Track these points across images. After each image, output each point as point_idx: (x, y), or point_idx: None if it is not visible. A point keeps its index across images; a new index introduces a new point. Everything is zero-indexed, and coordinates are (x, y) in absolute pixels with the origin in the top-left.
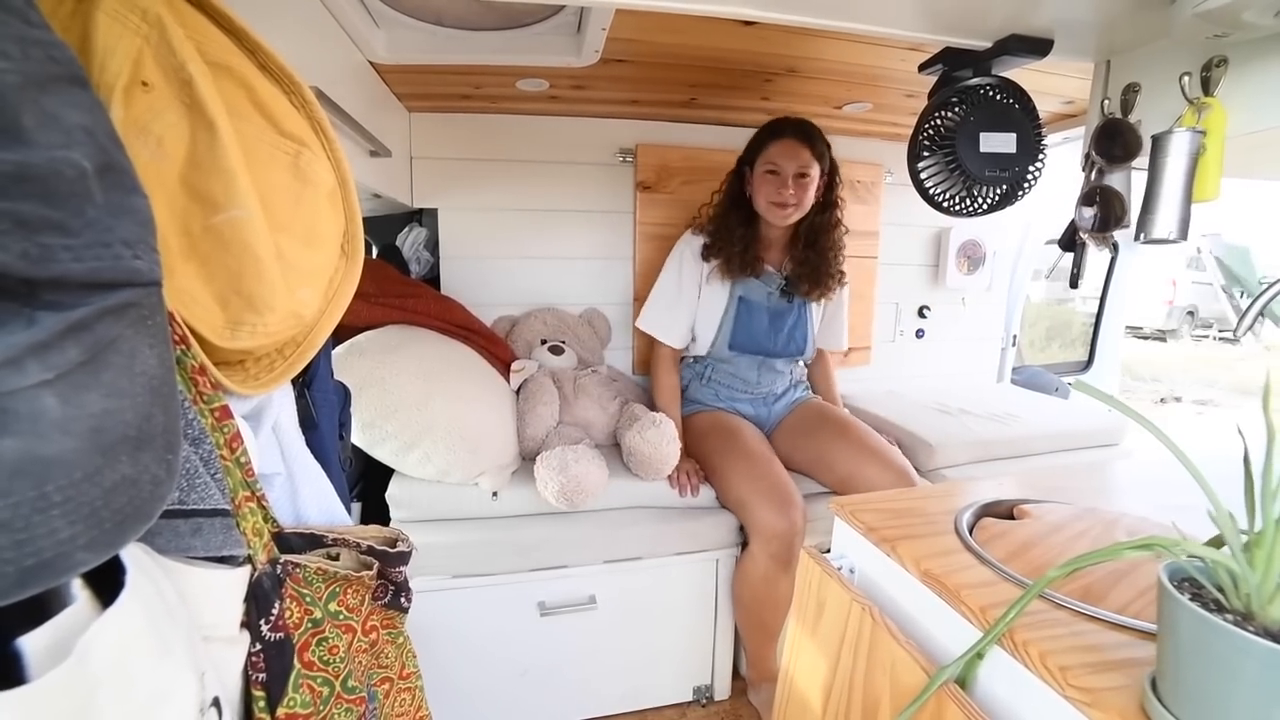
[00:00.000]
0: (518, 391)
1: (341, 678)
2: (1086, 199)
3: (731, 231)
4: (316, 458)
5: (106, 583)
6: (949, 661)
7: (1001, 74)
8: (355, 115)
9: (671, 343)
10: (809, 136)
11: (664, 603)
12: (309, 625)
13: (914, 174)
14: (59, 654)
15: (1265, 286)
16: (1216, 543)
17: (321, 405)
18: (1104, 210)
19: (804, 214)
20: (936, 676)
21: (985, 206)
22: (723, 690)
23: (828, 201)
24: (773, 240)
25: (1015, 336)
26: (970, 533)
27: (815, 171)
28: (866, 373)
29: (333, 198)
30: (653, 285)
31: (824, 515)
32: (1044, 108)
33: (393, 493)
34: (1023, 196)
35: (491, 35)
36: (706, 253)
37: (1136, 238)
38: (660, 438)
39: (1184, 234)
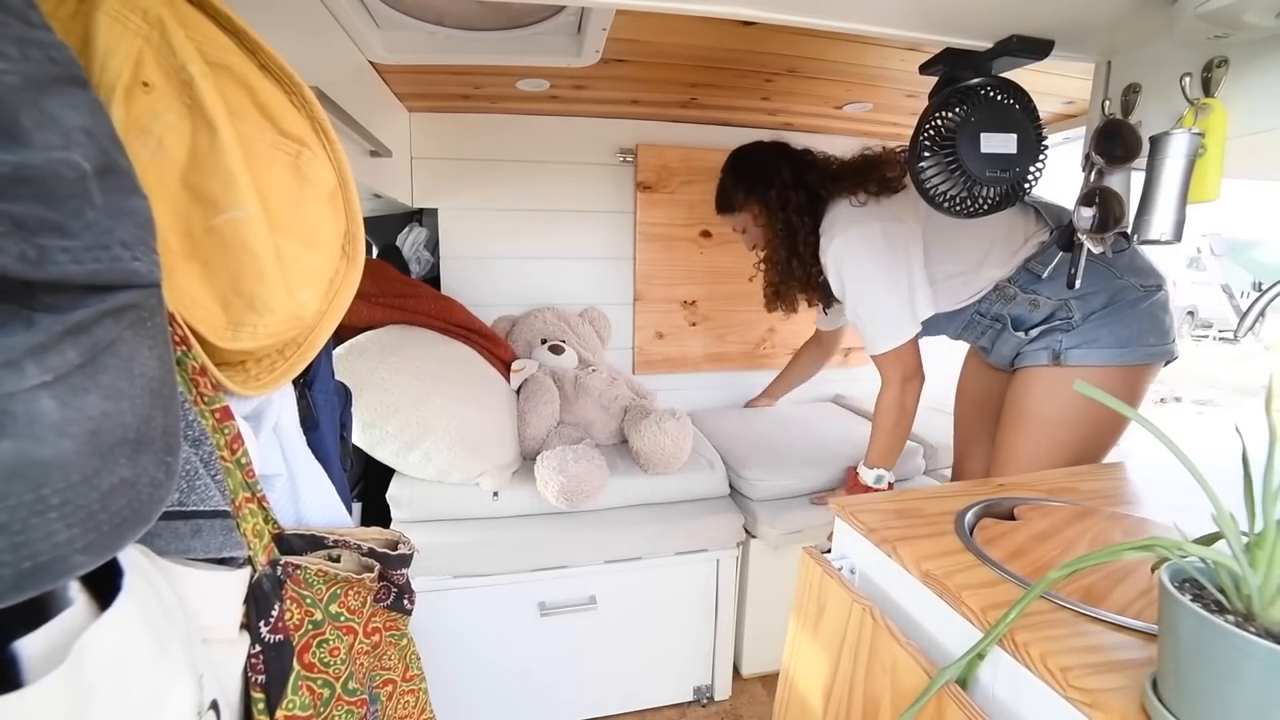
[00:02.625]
0: (518, 391)
1: (342, 680)
2: (1086, 199)
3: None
4: (317, 458)
5: (104, 585)
6: (950, 662)
7: (1002, 74)
8: (355, 115)
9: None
10: (717, 201)
11: (664, 603)
12: (309, 627)
13: (914, 174)
14: (56, 657)
15: (1266, 287)
16: (1208, 540)
17: (322, 406)
18: (1103, 211)
19: (766, 253)
20: (938, 677)
21: (986, 207)
22: (723, 690)
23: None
24: None
25: None
26: (971, 533)
27: (739, 219)
28: (866, 372)
29: (333, 198)
30: (652, 287)
31: (825, 515)
32: (1045, 108)
33: (393, 493)
34: (1023, 197)
35: (491, 35)
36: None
37: (1131, 238)
38: (680, 430)
39: (1178, 236)
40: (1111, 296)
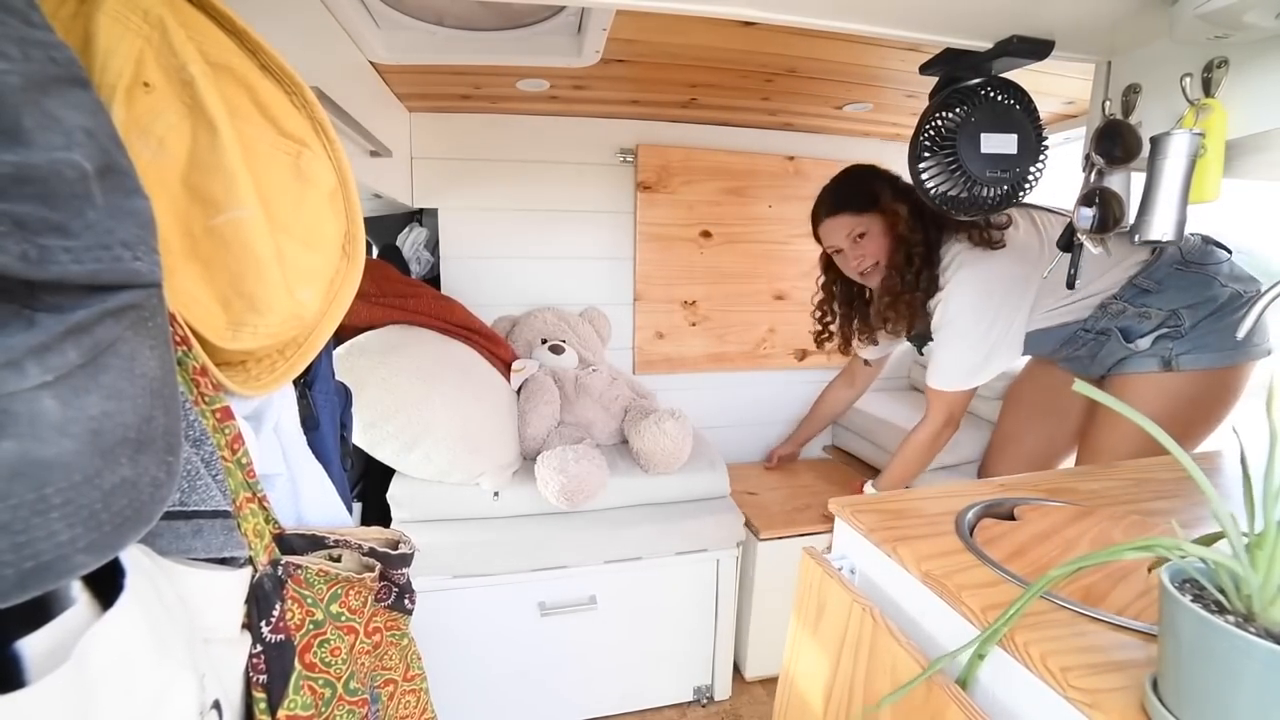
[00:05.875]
0: (518, 391)
1: (343, 679)
2: (1086, 200)
3: (838, 310)
4: (318, 458)
5: (106, 585)
6: (943, 653)
7: (1002, 75)
8: (356, 115)
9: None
10: (840, 201)
11: (664, 603)
12: (310, 627)
13: (915, 175)
14: (58, 657)
15: (1266, 288)
16: (1207, 540)
17: (323, 406)
18: (1103, 211)
19: (891, 259)
20: (931, 665)
21: (986, 207)
22: (723, 690)
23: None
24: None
25: None
26: (971, 533)
27: (869, 222)
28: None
29: (334, 198)
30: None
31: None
32: (1045, 108)
33: (394, 493)
34: (1023, 197)
35: (492, 35)
36: (819, 340)
37: (1132, 239)
38: (680, 430)
39: (1180, 236)
40: (1219, 304)
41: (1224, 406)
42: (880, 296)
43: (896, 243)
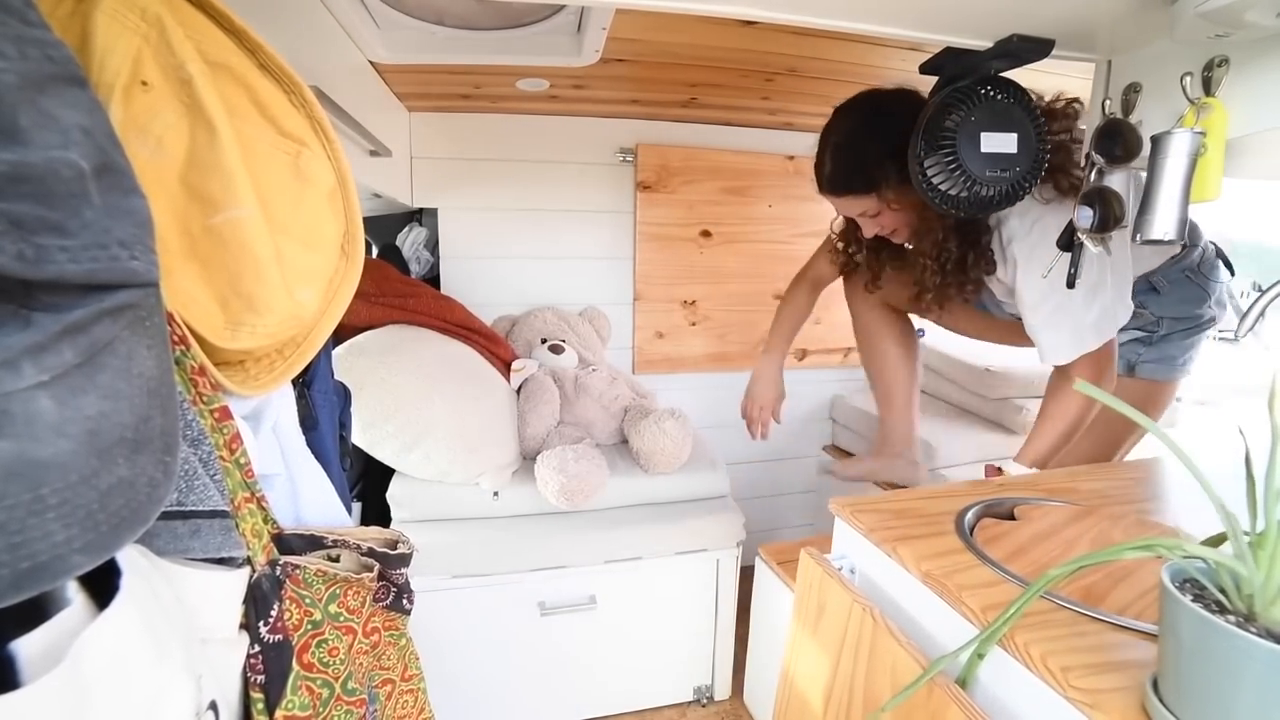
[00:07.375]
0: (518, 391)
1: (341, 679)
2: (1086, 199)
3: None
4: (317, 458)
5: (102, 585)
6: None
7: (1002, 74)
8: (355, 115)
9: None
10: (835, 181)
11: (664, 603)
12: (308, 627)
13: (914, 174)
14: (54, 658)
15: (1266, 287)
16: (1214, 541)
17: (321, 405)
18: (1103, 210)
19: (918, 246)
20: (932, 666)
21: (986, 206)
22: (723, 690)
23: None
24: None
25: None
26: (971, 533)
27: (878, 204)
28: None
29: (333, 198)
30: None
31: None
32: None
33: (393, 492)
34: (1023, 196)
35: (491, 35)
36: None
37: (1134, 238)
38: (680, 430)
39: (1181, 235)
40: (1199, 324)
41: (1157, 416)
42: (918, 287)
43: (919, 230)
